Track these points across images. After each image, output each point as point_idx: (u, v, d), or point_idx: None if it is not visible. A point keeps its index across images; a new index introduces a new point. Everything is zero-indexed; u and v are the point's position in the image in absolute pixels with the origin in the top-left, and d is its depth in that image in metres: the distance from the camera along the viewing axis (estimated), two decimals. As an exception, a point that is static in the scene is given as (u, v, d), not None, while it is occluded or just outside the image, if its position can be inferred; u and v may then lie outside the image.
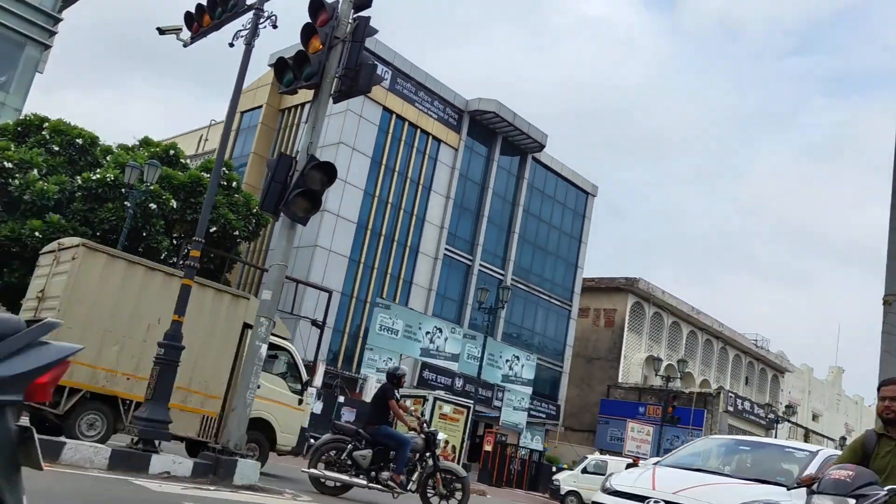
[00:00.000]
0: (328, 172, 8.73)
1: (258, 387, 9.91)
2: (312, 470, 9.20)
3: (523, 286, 37.13)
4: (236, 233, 22.45)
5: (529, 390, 33.53)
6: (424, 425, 9.80)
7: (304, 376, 11.94)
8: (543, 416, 36.81)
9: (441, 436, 9.81)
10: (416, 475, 9.53)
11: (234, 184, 23.45)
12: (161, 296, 9.66)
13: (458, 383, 30.81)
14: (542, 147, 37.11)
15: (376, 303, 29.28)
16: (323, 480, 9.32)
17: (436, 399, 20.00)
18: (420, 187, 32.92)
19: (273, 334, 10.41)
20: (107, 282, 9.35)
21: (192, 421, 10.09)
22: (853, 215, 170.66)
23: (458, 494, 9.62)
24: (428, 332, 30.54)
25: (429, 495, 9.63)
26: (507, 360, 33.91)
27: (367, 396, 25.38)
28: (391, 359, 28.61)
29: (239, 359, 10.53)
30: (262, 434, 10.84)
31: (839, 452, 5.44)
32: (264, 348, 8.50)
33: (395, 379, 9.89)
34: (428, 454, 9.62)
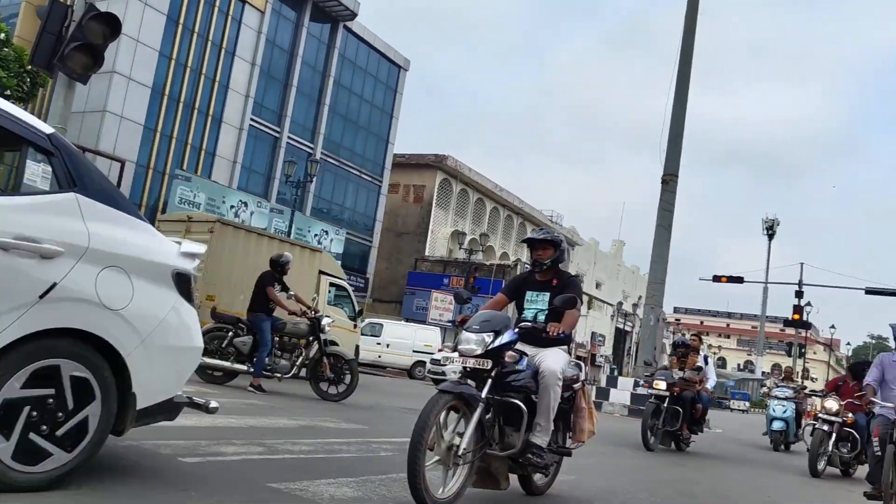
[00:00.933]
0: (111, 25, 7.81)
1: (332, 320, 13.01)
2: None
3: (333, 160, 36.62)
4: (8, 92, 19.86)
5: (338, 264, 33.84)
6: (311, 311, 9.66)
7: (356, 308, 16.58)
8: (352, 289, 37.49)
9: (327, 320, 9.79)
10: (300, 360, 9.54)
11: (3, 36, 20.52)
12: (263, 253, 12.59)
13: (266, 258, 30.38)
14: (354, 15, 35.76)
15: (176, 175, 27.63)
16: (210, 371, 9.36)
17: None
18: (223, 51, 30.72)
19: (334, 275, 15.38)
20: (233, 247, 12.78)
21: None
22: (642, 101, 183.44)
23: (347, 378, 9.69)
24: (232, 206, 29.50)
25: (319, 381, 9.71)
26: (316, 235, 33.77)
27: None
28: (194, 233, 27.47)
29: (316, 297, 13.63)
30: None
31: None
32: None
33: (277, 266, 9.73)
34: (313, 339, 9.59)
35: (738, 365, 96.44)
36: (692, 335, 12.06)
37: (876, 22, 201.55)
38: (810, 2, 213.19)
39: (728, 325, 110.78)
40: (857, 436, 9.60)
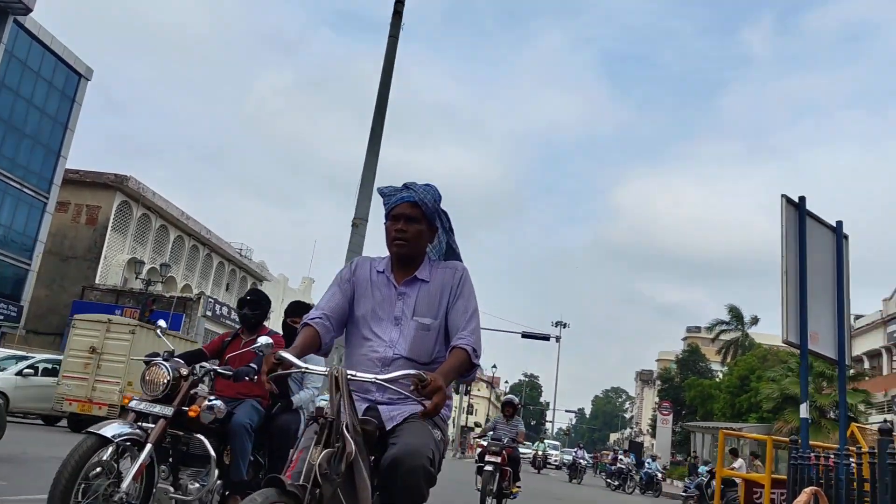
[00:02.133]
0: None
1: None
2: None
3: (-12, 169, 31.84)
4: None
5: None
6: None
7: None
8: (0, 318, 32.67)
9: None
10: None
11: None
12: (153, 345, 14.02)
13: None
14: (27, 10, 31.80)
15: None
16: None
17: None
18: None
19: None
20: (145, 342, 16.66)
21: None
22: (339, 145, 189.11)
23: None
24: None
25: None
26: (-42, 253, 28.92)
27: None
28: None
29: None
30: None
31: None
32: None
33: None
34: None
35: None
36: None
37: (536, 106, 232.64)
38: (486, 81, 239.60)
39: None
40: (208, 445, 4.39)
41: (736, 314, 54.63)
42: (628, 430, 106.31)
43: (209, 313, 39.99)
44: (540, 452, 27.52)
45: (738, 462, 18.34)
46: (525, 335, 45.78)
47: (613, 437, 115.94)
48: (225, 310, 42.59)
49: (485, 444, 10.72)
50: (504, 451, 10.37)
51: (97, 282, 37.84)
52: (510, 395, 11.84)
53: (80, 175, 38.05)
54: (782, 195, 6.80)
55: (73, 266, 38.03)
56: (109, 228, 38.61)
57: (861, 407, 29.52)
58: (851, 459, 5.25)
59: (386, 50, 21.77)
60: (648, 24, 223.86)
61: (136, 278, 37.26)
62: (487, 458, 10.27)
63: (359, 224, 20.79)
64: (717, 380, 52.52)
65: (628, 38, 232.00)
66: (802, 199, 7.06)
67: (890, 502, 4.29)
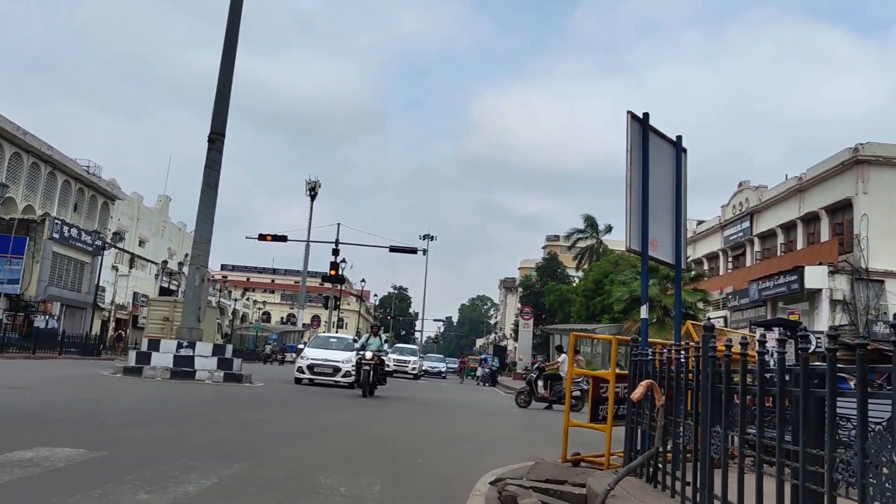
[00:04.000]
0: None
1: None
2: None
3: None
4: None
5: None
6: None
7: None
8: None
9: None
10: None
11: None
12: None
13: None
14: None
15: None
16: None
17: None
18: None
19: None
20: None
21: None
22: (190, 55, 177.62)
23: None
24: None
25: None
26: None
27: None
28: None
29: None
30: None
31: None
32: None
33: None
34: None
35: (282, 318, 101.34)
36: None
37: (396, 18, 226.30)
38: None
39: (273, 280, 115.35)
40: None
41: (591, 223, 57.38)
42: (493, 335, 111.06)
43: (56, 235, 37.63)
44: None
45: (562, 357, 19.35)
46: (393, 249, 46.24)
47: (479, 342, 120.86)
48: (74, 231, 40.13)
49: None
50: None
51: (-78, 204, 34.37)
52: None
53: None
54: (628, 112, 7.16)
55: None
56: (-68, 145, 34.91)
57: (700, 305, 32.31)
58: (682, 353, 5.82)
59: (237, -48, 20.48)
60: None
61: (-31, 200, 34.16)
62: None
63: (216, 140, 19.92)
64: (574, 285, 55.53)
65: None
66: (646, 115, 7.47)
67: (710, 389, 4.85)
